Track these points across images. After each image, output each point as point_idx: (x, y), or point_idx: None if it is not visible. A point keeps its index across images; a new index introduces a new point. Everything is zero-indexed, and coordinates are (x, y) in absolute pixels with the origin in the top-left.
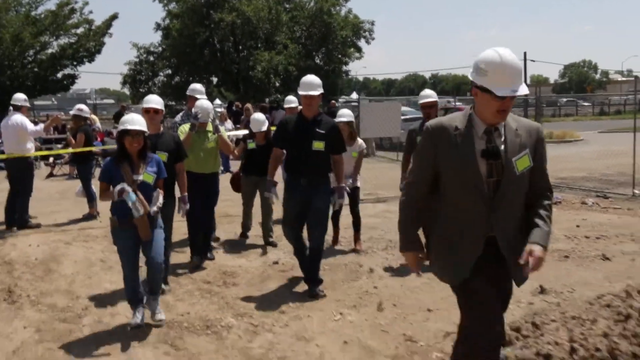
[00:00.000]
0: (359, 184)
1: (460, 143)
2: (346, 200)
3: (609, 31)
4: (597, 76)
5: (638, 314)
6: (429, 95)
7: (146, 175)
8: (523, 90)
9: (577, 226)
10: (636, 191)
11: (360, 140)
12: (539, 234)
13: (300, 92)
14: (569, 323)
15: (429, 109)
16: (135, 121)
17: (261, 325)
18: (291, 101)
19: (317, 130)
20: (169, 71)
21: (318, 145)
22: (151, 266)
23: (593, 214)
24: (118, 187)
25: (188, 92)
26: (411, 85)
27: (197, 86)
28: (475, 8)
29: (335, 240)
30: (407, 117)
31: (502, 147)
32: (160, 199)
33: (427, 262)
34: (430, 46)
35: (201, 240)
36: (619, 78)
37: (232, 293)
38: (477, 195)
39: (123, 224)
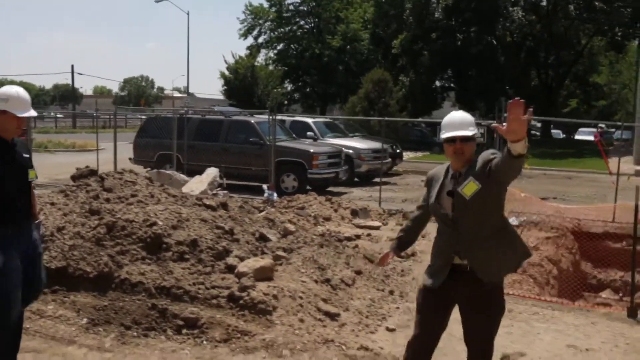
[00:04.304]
0: None
1: (435, 186)
2: None
3: (167, 50)
4: (155, 91)
5: None
6: None
7: None
8: (463, 133)
9: None
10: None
11: None
12: None
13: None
14: None
15: None
16: None
17: None
18: None
19: (23, 154)
20: None
21: (33, 174)
22: None
23: None
24: None
25: None
26: None
27: None
28: (35, 14)
29: None
30: None
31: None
32: None
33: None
34: None
35: None
36: (176, 94)
37: None
38: (445, 221)
39: None
